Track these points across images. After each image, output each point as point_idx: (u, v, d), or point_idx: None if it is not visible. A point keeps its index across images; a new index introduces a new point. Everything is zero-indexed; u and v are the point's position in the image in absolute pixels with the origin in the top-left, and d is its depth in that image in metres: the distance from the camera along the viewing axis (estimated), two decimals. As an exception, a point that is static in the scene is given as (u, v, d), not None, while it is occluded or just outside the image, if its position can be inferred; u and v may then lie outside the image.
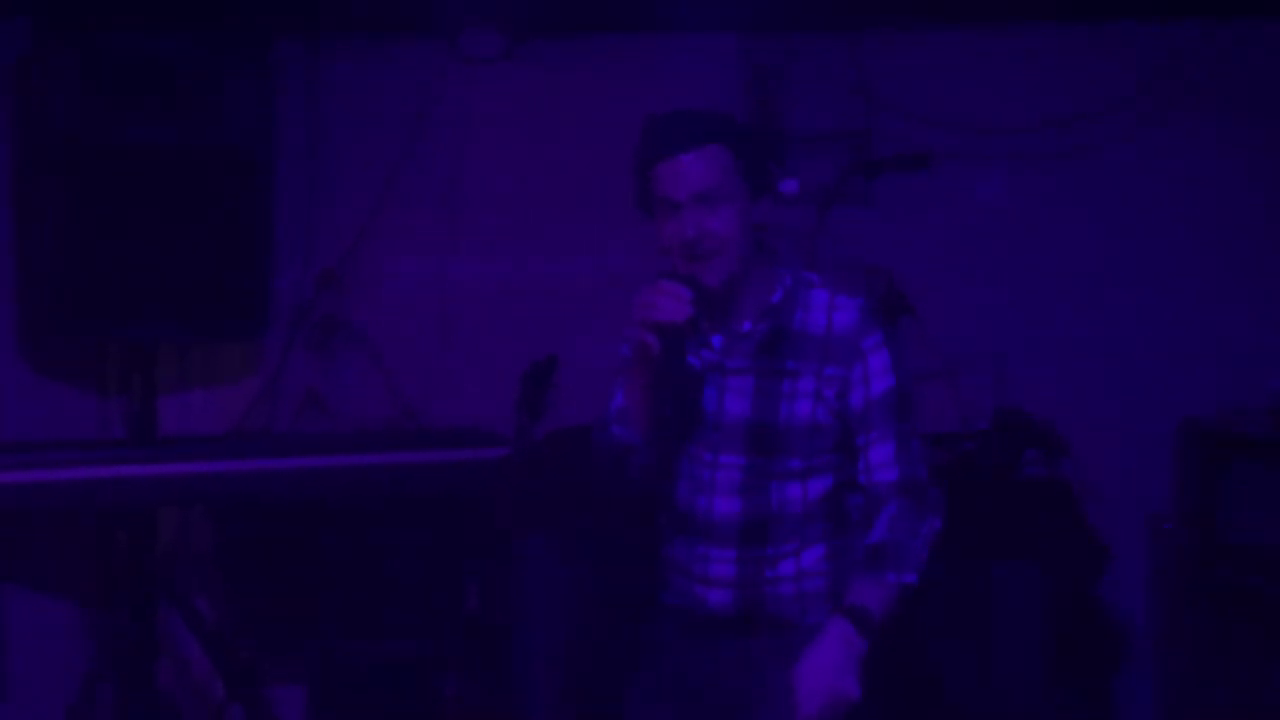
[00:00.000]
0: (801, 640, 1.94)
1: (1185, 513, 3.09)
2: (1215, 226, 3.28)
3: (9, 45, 3.06)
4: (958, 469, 2.99)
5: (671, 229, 1.92)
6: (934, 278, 3.42)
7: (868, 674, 1.85)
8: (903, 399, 1.98)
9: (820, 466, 1.98)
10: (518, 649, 3.03)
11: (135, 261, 3.14)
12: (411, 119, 3.52)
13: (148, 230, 3.14)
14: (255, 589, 3.36)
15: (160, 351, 3.40)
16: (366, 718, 3.23)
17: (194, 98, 3.17)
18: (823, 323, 1.96)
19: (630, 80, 3.45)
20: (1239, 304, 3.26)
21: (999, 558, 2.82)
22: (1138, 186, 3.33)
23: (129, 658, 3.23)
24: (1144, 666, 3.30)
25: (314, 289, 3.57)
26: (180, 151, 3.15)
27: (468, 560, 3.31)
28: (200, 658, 3.38)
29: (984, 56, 3.38)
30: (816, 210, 3.45)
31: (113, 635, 3.30)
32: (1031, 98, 3.34)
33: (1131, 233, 3.33)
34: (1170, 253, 3.31)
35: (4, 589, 3.16)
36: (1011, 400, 3.28)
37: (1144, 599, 3.31)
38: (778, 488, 1.96)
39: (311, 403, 3.60)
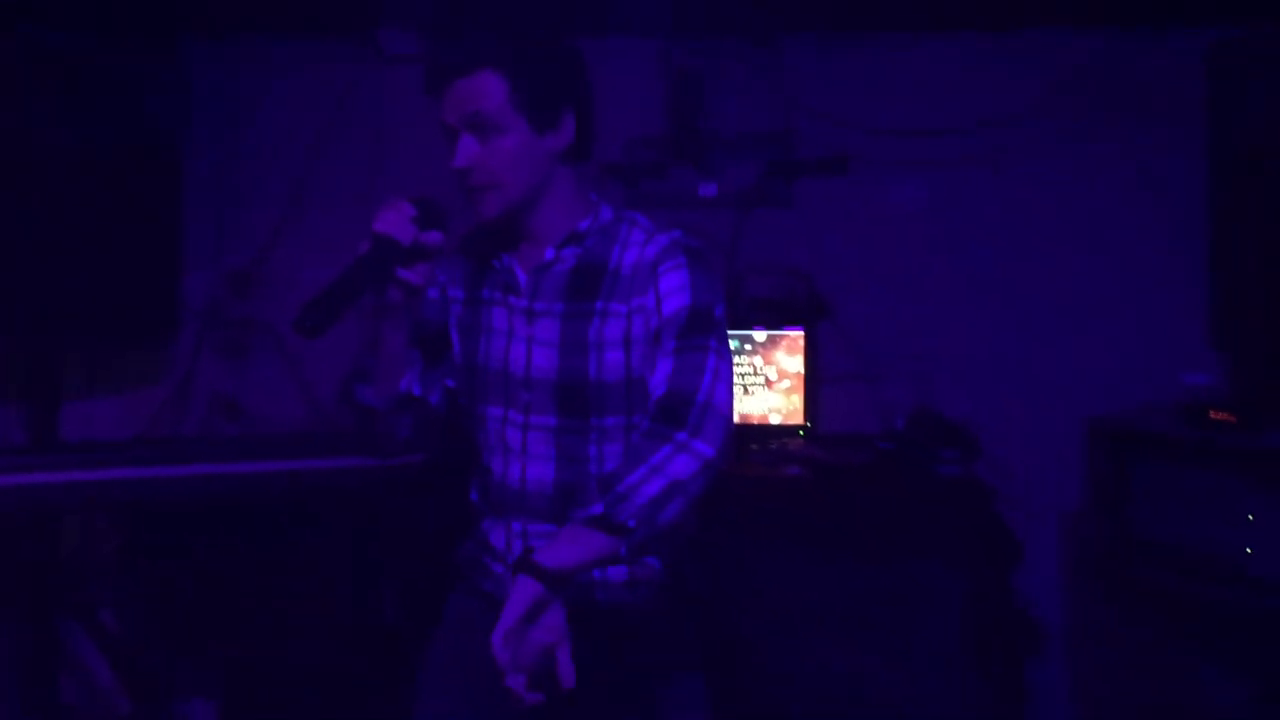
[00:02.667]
0: (636, 632, 1.82)
1: (1095, 509, 3.16)
2: (1122, 230, 3.36)
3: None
4: (875, 469, 3.01)
5: (451, 154, 1.79)
6: (853, 281, 3.48)
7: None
8: (696, 316, 1.76)
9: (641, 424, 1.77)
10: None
11: (39, 264, 3.02)
12: (328, 118, 3.47)
13: (52, 232, 3.03)
14: (162, 598, 3.26)
15: (67, 356, 3.30)
16: (280, 729, 3.16)
17: (100, 95, 3.08)
18: (634, 258, 1.82)
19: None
20: (1145, 305, 3.35)
21: (916, 554, 2.85)
22: (1045, 192, 3.40)
23: (31, 670, 3.12)
24: (1059, 659, 3.37)
25: (226, 291, 3.50)
26: (87, 150, 3.05)
27: (385, 567, 3.26)
28: (105, 669, 3.28)
29: (902, 63, 3.42)
30: (735, 213, 3.48)
31: (13, 646, 3.19)
32: (947, 104, 3.39)
33: (1041, 236, 3.40)
34: (1078, 255, 3.39)
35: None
36: (929, 402, 3.32)
37: (1058, 594, 3.37)
38: (596, 450, 1.80)
39: (222, 407, 3.51)
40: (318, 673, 3.18)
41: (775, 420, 3.36)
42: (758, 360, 3.37)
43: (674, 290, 1.78)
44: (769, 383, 3.37)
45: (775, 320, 3.40)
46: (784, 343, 3.37)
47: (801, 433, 3.35)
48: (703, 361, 1.73)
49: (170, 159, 3.25)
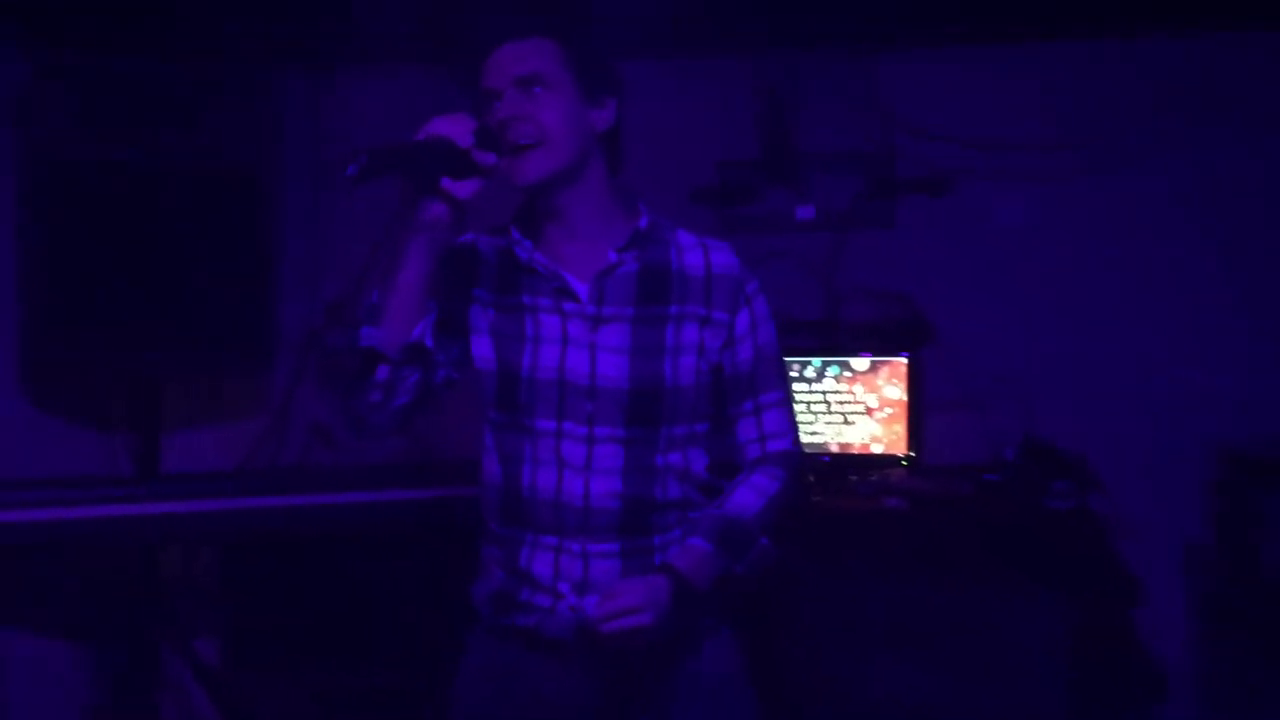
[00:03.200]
0: (692, 653, 1.77)
1: (1224, 544, 2.96)
2: (1245, 244, 3.16)
3: (10, 75, 3.02)
4: (980, 501, 2.86)
5: (494, 124, 1.69)
6: (958, 304, 3.34)
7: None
8: (781, 354, 1.86)
9: (700, 434, 1.79)
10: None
11: (139, 292, 3.07)
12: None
13: (151, 260, 3.08)
14: (258, 625, 3.28)
15: (166, 386, 3.34)
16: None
17: (197, 123, 3.11)
18: (700, 262, 1.78)
19: (642, 102, 3.37)
20: (1271, 325, 3.13)
21: (1025, 591, 2.70)
22: (1163, 204, 3.22)
23: (131, 694, 3.16)
24: (1184, 702, 3.15)
25: (323, 320, 3.51)
26: (184, 179, 3.08)
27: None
28: (202, 696, 3.30)
29: (1004, 73, 3.28)
30: (834, 235, 3.37)
31: (115, 671, 3.23)
32: (1053, 115, 3.24)
33: (1157, 252, 3.22)
34: (1198, 272, 3.19)
35: (6, 626, 3.08)
36: (1039, 429, 3.16)
37: (1183, 635, 3.16)
38: (662, 460, 1.74)
39: (320, 436, 3.52)
40: (408, 702, 3.16)
41: (877, 449, 3.24)
42: (858, 387, 3.25)
43: (765, 319, 1.81)
44: (870, 411, 3.24)
45: (876, 346, 3.28)
46: (885, 369, 3.24)
47: (904, 462, 3.21)
48: (794, 409, 1.87)
49: (267, 185, 3.27)
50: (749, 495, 1.77)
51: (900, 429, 3.23)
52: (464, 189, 1.65)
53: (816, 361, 3.28)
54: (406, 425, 1.78)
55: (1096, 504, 2.88)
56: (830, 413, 3.27)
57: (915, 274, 3.33)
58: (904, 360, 3.23)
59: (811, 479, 3.01)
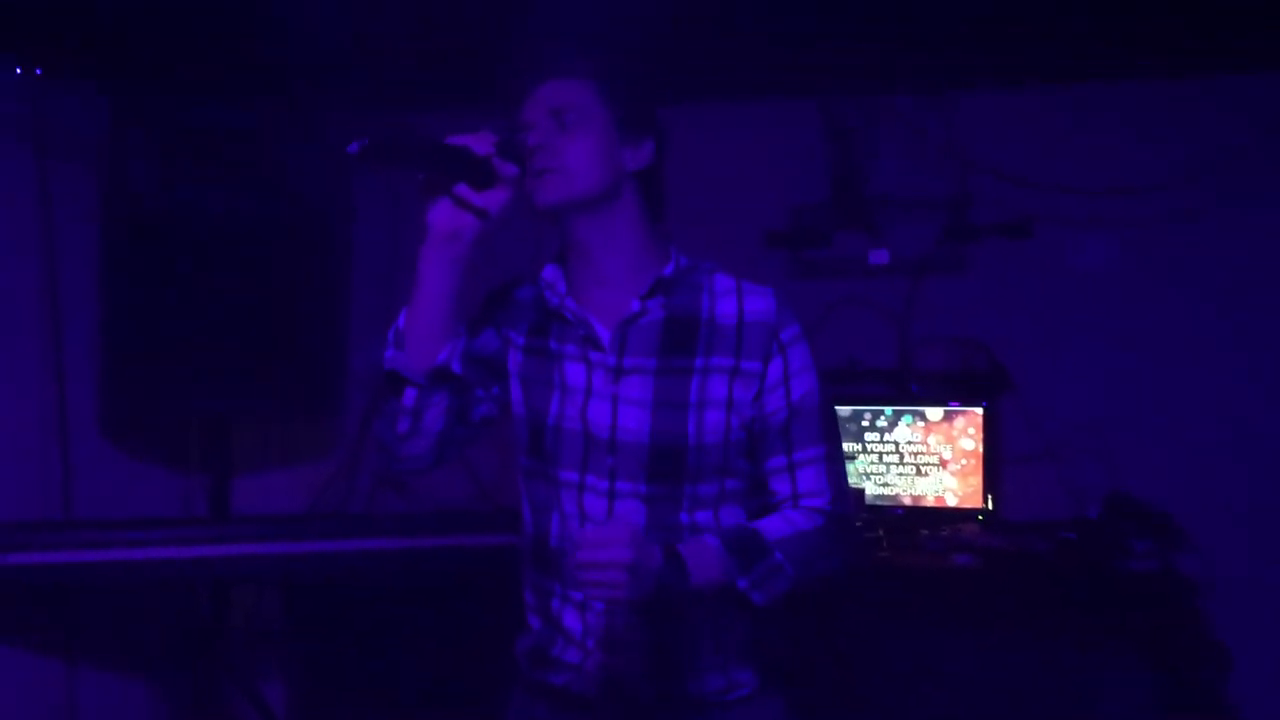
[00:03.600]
0: (729, 713, 1.69)
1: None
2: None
3: (94, 122, 3.11)
4: (1056, 560, 2.72)
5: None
6: (1037, 352, 3.22)
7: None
8: (826, 406, 1.73)
9: (734, 492, 1.72)
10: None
11: (214, 335, 3.12)
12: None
13: (226, 304, 3.13)
14: (322, 668, 3.28)
15: (238, 428, 3.39)
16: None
17: (270, 169, 3.17)
18: (733, 310, 1.71)
19: (712, 146, 3.35)
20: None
21: (1106, 658, 2.55)
22: (1256, 250, 3.05)
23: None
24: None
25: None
26: (257, 224, 3.14)
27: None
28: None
29: (1086, 115, 3.16)
30: (909, 280, 3.28)
31: (181, 711, 3.26)
32: (1138, 157, 3.11)
33: (1251, 298, 3.05)
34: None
35: (77, 663, 3.14)
36: (1124, 483, 3.01)
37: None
38: (688, 519, 1.67)
39: (387, 481, 3.53)
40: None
41: (952, 503, 3.12)
42: (933, 438, 3.14)
43: (802, 370, 1.70)
44: (944, 462, 3.13)
45: (951, 395, 3.17)
46: (961, 419, 3.13)
47: (981, 517, 3.09)
48: (842, 469, 1.74)
49: (339, 230, 3.31)
50: (777, 521, 1.69)
51: (976, 482, 3.10)
52: (487, 199, 1.63)
53: (889, 410, 3.18)
54: (441, 459, 1.75)
55: (1184, 565, 2.72)
56: (903, 464, 3.16)
57: (992, 321, 3.21)
58: (980, 410, 3.12)
59: (881, 533, 2.91)
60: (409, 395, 1.65)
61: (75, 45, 2.91)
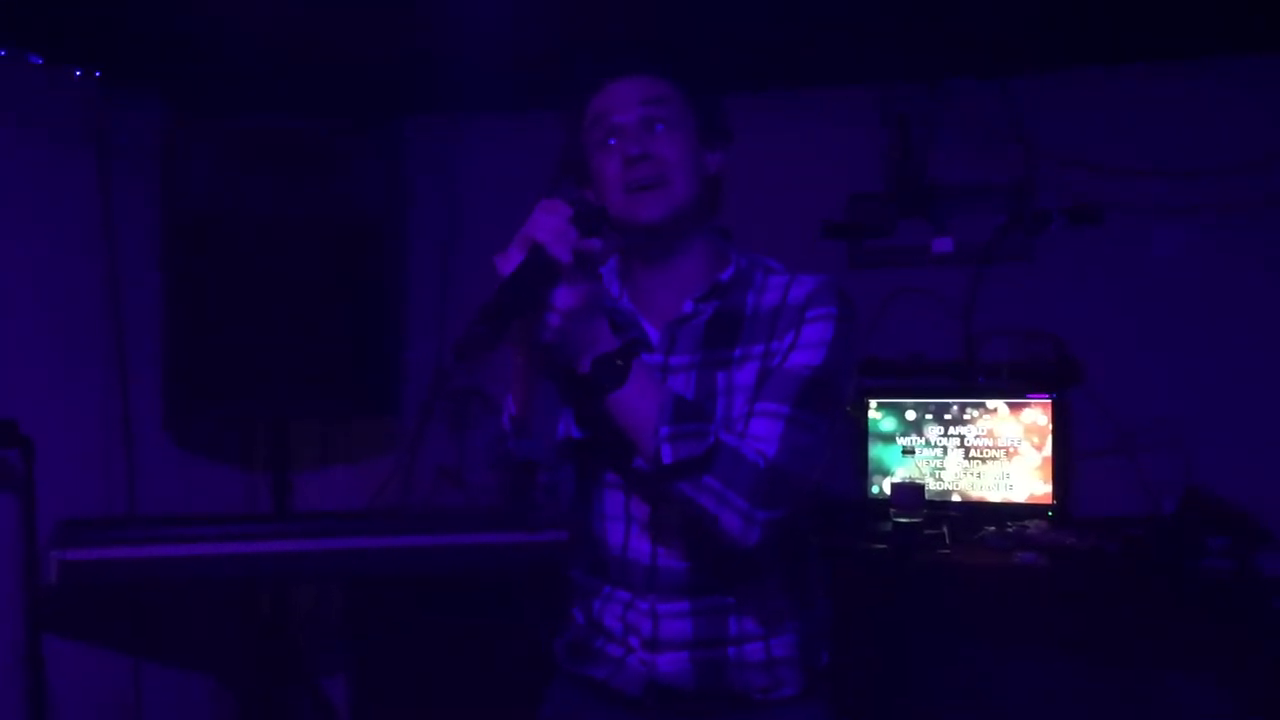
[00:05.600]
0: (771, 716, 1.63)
1: None
2: None
3: (153, 125, 3.15)
4: (1124, 559, 2.60)
5: (613, 158, 1.61)
6: (1109, 342, 3.10)
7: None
8: (819, 387, 1.58)
9: None
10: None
11: (273, 335, 3.17)
12: (544, 189, 3.45)
13: (284, 305, 3.17)
14: (383, 662, 3.30)
15: (298, 427, 3.42)
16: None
17: (326, 173, 3.20)
18: (776, 299, 1.65)
19: (767, 136, 3.28)
20: None
21: (1175, 665, 2.43)
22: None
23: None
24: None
25: (449, 362, 3.53)
26: (314, 227, 3.17)
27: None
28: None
29: (1157, 94, 3.03)
30: (973, 269, 3.18)
31: (243, 705, 3.30)
32: (1214, 138, 2.97)
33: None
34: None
35: (142, 657, 3.19)
36: (1201, 478, 2.89)
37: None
38: None
39: (446, 476, 3.53)
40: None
41: (1018, 499, 3.02)
42: (999, 431, 3.04)
43: (813, 344, 1.60)
44: (1010, 456, 3.03)
45: (1018, 387, 3.07)
46: (1028, 412, 3.03)
47: (1050, 514, 2.98)
48: (808, 447, 1.56)
49: (393, 230, 3.32)
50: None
51: (1043, 477, 3.00)
52: (576, 295, 1.51)
53: (954, 404, 3.09)
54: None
55: (1267, 564, 2.59)
56: (967, 458, 3.07)
57: (1060, 311, 3.10)
58: (1048, 402, 3.01)
59: (944, 529, 2.82)
60: (543, 476, 1.63)
61: (135, 50, 2.96)
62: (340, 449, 3.58)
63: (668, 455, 1.51)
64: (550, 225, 1.48)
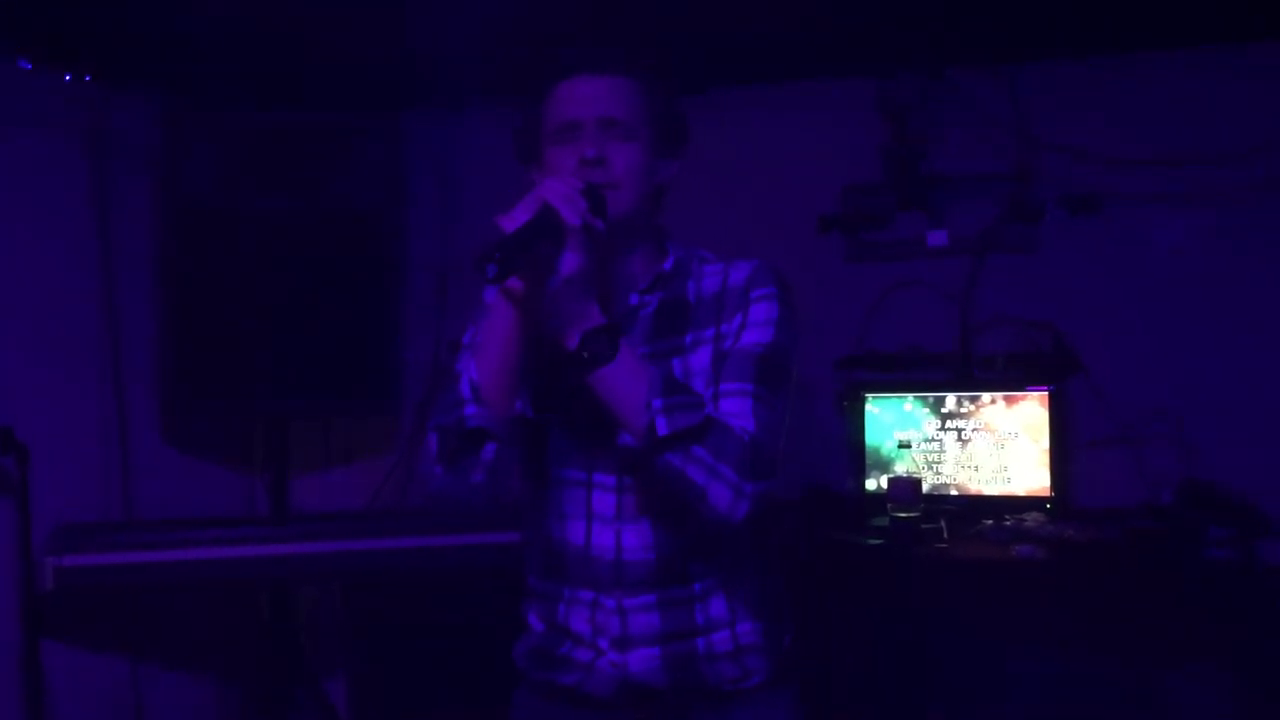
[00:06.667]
0: (744, 715, 1.65)
1: None
2: None
3: (148, 126, 3.14)
4: (1123, 550, 2.58)
5: (568, 154, 1.63)
6: (1108, 333, 3.08)
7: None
8: (773, 363, 1.62)
9: None
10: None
11: (270, 335, 3.15)
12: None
13: (281, 303, 3.15)
14: (383, 663, 3.29)
15: (295, 427, 3.41)
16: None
17: (322, 169, 3.17)
18: (717, 285, 1.69)
19: (762, 129, 3.26)
20: None
21: (1178, 656, 2.42)
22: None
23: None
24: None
25: (448, 361, 3.50)
26: (310, 223, 3.15)
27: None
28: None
29: (1155, 84, 3.00)
30: (970, 261, 3.16)
31: (244, 708, 3.30)
32: (1213, 127, 2.94)
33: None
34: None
35: (144, 661, 3.19)
36: (1203, 469, 2.87)
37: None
38: None
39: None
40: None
41: (1018, 491, 3.00)
42: (996, 423, 3.02)
43: (761, 323, 1.64)
44: (1007, 448, 3.01)
45: (1016, 378, 3.05)
46: (1026, 403, 3.01)
47: (1049, 506, 2.96)
48: (773, 422, 1.59)
49: (392, 227, 3.30)
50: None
51: (1041, 469, 2.98)
52: (568, 263, 1.54)
53: (951, 396, 3.08)
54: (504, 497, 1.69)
55: (1269, 553, 2.57)
56: (965, 451, 3.05)
57: (1058, 301, 3.08)
58: (1046, 393, 2.99)
59: (941, 523, 2.81)
60: (489, 450, 1.59)
61: (128, 50, 2.95)
62: (338, 449, 3.57)
63: (663, 427, 1.52)
64: (562, 190, 1.53)
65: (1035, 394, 3.01)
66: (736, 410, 1.57)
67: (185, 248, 3.11)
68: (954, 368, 3.14)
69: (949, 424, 3.08)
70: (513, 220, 1.50)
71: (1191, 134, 2.98)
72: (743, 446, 1.54)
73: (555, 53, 1.69)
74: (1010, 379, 3.05)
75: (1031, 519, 2.85)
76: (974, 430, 3.06)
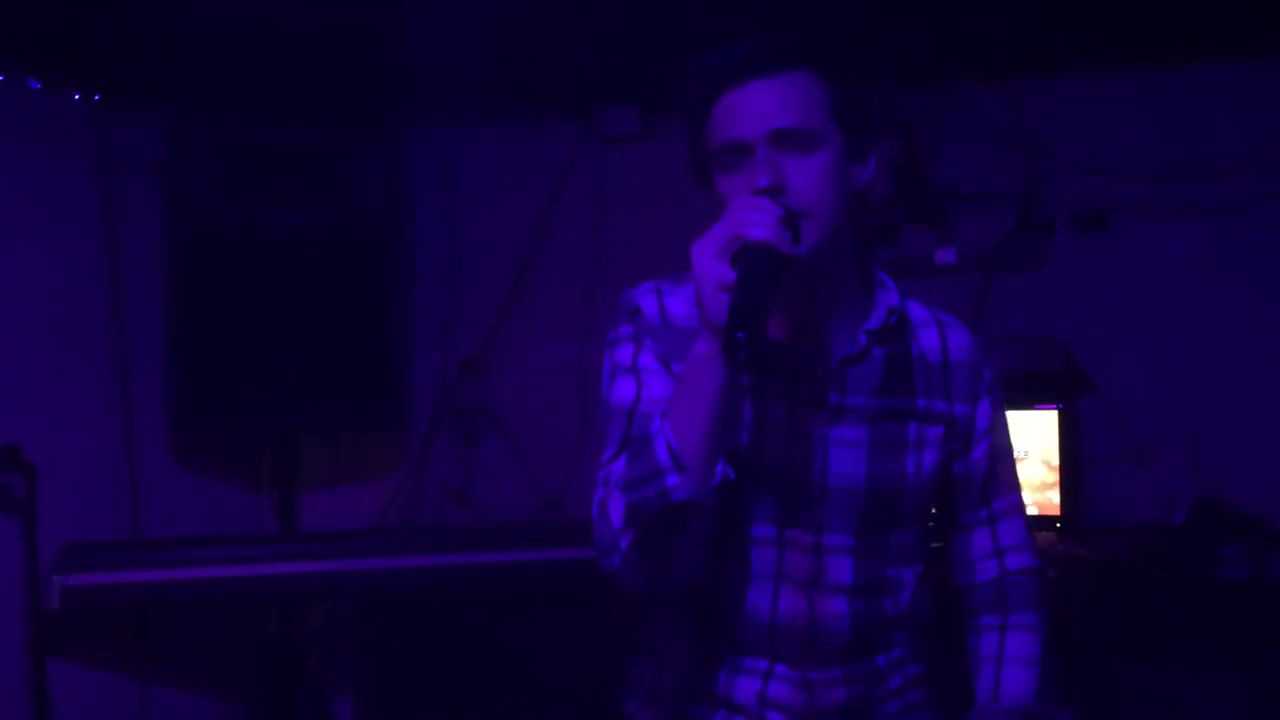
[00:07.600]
0: None
1: None
2: None
3: (156, 140, 3.14)
4: (1134, 569, 2.56)
5: (738, 183, 1.38)
6: (1119, 350, 3.06)
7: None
8: (1013, 458, 1.64)
9: (920, 539, 1.55)
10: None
11: (277, 350, 3.14)
12: (549, 199, 3.43)
13: (289, 318, 3.15)
14: (392, 683, 3.28)
15: (303, 444, 3.40)
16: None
17: (331, 185, 3.18)
18: (937, 345, 1.54)
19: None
20: None
21: (1194, 676, 2.40)
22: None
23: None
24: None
25: (455, 377, 3.51)
26: (318, 239, 3.15)
27: (618, 656, 3.13)
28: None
29: (1170, 96, 2.99)
30: (979, 277, 3.14)
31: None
32: (1223, 142, 2.92)
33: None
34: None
35: (151, 681, 3.18)
36: (1218, 488, 2.84)
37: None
38: (894, 574, 1.51)
39: (452, 494, 3.51)
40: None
41: (1029, 510, 2.97)
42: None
43: (1003, 415, 1.61)
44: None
45: (1026, 396, 3.03)
46: (1036, 422, 2.99)
47: (1059, 525, 2.94)
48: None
49: (397, 242, 3.30)
50: (1018, 674, 1.57)
51: (1052, 488, 2.96)
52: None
53: (961, 414, 3.06)
54: None
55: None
56: (976, 470, 3.04)
57: (1069, 319, 3.06)
58: (1056, 412, 2.98)
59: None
60: (697, 524, 1.36)
61: (133, 67, 2.95)
62: (346, 467, 3.56)
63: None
64: (767, 223, 1.31)
65: (1045, 412, 2.99)
66: (1017, 541, 1.62)
67: (193, 264, 3.11)
68: (963, 385, 3.12)
69: (959, 442, 3.06)
70: (718, 266, 1.30)
71: (1201, 150, 2.96)
72: (1046, 606, 1.62)
73: (710, 63, 1.42)
74: (1020, 397, 3.04)
75: (1042, 538, 2.83)
76: (984, 448, 3.04)
